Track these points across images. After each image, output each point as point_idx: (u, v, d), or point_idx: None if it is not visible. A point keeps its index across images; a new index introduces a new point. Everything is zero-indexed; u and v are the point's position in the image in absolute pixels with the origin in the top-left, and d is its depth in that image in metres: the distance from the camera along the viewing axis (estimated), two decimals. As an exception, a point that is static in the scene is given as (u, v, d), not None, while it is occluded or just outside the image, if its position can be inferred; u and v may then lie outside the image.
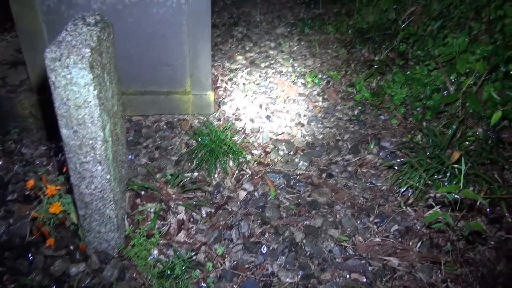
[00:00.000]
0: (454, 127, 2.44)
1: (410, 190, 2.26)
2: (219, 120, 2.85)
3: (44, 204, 1.78)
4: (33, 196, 2.22)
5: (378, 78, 3.38)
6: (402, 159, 2.46)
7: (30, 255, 1.85)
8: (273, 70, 3.56)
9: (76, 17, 1.64)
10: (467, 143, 2.58)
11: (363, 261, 1.91)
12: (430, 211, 2.09)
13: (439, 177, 2.21)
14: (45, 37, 2.47)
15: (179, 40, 2.62)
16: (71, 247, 1.84)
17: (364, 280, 1.83)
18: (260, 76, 3.44)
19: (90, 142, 1.55)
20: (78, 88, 1.42)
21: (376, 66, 3.34)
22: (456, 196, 1.78)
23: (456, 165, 2.16)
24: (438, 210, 1.71)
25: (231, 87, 3.24)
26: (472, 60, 3.00)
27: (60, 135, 1.52)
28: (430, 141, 2.56)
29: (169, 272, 1.78)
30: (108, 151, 1.63)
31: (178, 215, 2.09)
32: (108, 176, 1.66)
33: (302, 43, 4.15)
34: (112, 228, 1.81)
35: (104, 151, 1.59)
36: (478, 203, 1.96)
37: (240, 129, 2.76)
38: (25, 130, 2.74)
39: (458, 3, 3.24)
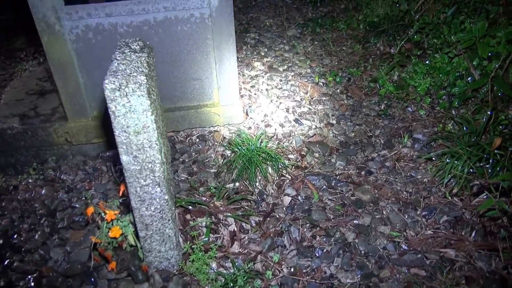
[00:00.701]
0: (489, 113, 2.45)
1: (453, 180, 2.28)
2: (249, 128, 2.88)
3: (103, 228, 1.81)
4: (84, 222, 2.27)
5: (397, 70, 3.39)
6: (440, 150, 2.47)
7: (92, 280, 1.89)
8: (292, 73, 3.59)
9: (119, 44, 1.68)
10: (500, 127, 2.59)
11: (419, 255, 1.93)
12: (479, 199, 2.10)
13: (481, 164, 2.22)
14: (76, 65, 2.52)
15: (205, 54, 2.65)
16: (132, 269, 1.88)
17: (424, 274, 1.85)
18: (281, 80, 3.46)
19: (150, 165, 1.58)
20: (137, 115, 1.46)
21: (397, 59, 3.35)
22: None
23: (498, 151, 2.17)
24: (492, 198, 1.73)
25: (255, 94, 3.27)
26: (493, 44, 3.01)
27: (120, 161, 1.55)
28: (464, 129, 2.57)
29: (231, 284, 1.81)
30: (165, 173, 1.66)
31: (229, 227, 2.12)
32: (166, 197, 1.70)
33: (316, 42, 4.17)
34: (172, 247, 1.84)
35: (162, 173, 1.62)
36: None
37: (272, 135, 2.79)
38: (61, 157, 2.79)
39: (473, -12, 3.24)
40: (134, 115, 1.46)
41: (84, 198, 2.44)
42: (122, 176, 2.47)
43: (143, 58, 1.56)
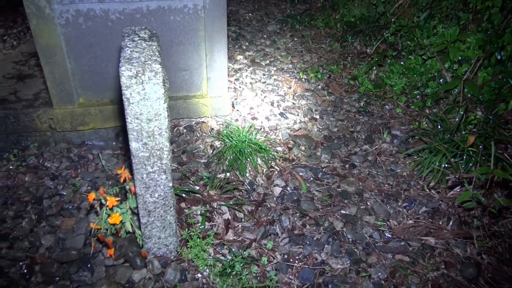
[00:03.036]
0: (462, 113, 2.65)
1: (430, 174, 2.45)
2: (236, 120, 2.94)
3: (102, 215, 1.82)
4: (75, 209, 2.25)
5: (376, 70, 3.56)
6: (418, 146, 2.64)
7: (89, 266, 1.89)
8: (275, 68, 3.67)
9: (127, 32, 1.69)
10: (470, 126, 2.81)
11: (402, 243, 2.08)
12: (454, 192, 2.28)
13: (456, 160, 2.41)
14: (64, 50, 2.46)
15: (196, 45, 2.67)
16: (130, 255, 1.89)
17: (408, 259, 2.00)
18: (264, 75, 3.54)
19: (158, 152, 1.61)
20: (151, 103, 1.48)
21: (375, 58, 3.51)
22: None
23: (470, 148, 2.37)
24: (470, 190, 1.90)
25: (239, 87, 3.32)
26: (463, 49, 3.24)
27: (129, 148, 1.57)
28: (439, 127, 2.76)
29: (229, 270, 1.88)
30: (171, 160, 1.69)
31: (223, 215, 2.18)
32: (170, 184, 1.73)
33: (295, 39, 4.28)
34: (171, 233, 1.88)
35: (169, 160, 1.65)
36: (495, 179, 2.17)
37: (259, 127, 2.86)
38: (43, 144, 2.72)
39: (447, -5, 3.46)
40: (148, 103, 1.48)
41: (71, 186, 2.41)
42: (125, 163, 2.45)
43: (154, 47, 1.58)
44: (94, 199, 1.76)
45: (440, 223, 2.18)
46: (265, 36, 4.31)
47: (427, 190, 2.38)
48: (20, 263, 1.95)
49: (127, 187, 1.83)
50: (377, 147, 2.76)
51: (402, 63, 3.51)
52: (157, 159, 1.63)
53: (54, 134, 2.72)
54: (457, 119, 2.68)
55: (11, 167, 2.55)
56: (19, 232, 2.12)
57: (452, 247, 2.05)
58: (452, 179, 2.39)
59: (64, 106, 2.60)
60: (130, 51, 1.52)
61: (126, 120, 1.51)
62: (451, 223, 2.15)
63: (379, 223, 2.20)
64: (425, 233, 2.12)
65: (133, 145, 1.57)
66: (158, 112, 1.52)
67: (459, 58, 3.21)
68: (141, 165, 1.62)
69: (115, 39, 2.51)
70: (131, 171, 1.69)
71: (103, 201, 1.79)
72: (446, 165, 2.43)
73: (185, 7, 2.53)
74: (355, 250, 2.07)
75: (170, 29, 2.58)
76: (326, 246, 2.09)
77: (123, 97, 1.45)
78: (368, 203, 2.34)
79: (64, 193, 2.36)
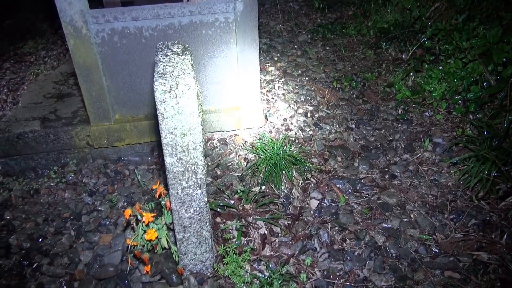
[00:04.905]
0: (510, 117, 2.48)
1: (478, 184, 2.30)
2: (270, 132, 2.89)
3: (139, 231, 1.81)
4: (112, 225, 2.26)
5: (414, 75, 3.43)
6: (464, 154, 2.49)
7: (126, 282, 1.88)
8: (307, 78, 3.61)
9: (160, 47, 1.69)
10: (519, 131, 2.63)
11: (451, 258, 1.94)
12: (505, 202, 2.12)
13: (506, 168, 2.25)
14: (100, 69, 2.51)
15: (228, 58, 2.66)
16: (166, 271, 1.87)
17: (459, 276, 1.86)
18: (296, 85, 3.48)
19: (193, 167, 1.59)
20: (185, 117, 1.46)
21: (412, 64, 3.39)
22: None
23: (523, 155, 2.21)
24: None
25: (272, 98, 3.28)
26: (507, 50, 3.06)
27: (164, 163, 1.56)
28: (485, 133, 2.60)
29: (267, 287, 1.81)
30: (206, 175, 1.67)
31: (260, 230, 2.12)
32: (205, 199, 1.70)
33: (327, 48, 4.21)
34: (207, 249, 1.84)
35: (204, 175, 1.63)
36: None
37: (294, 139, 2.80)
38: (82, 160, 2.78)
39: (487, -5, 3.30)
40: (182, 117, 1.46)
41: (108, 202, 2.43)
42: (160, 178, 2.46)
43: (187, 60, 1.57)
44: (130, 215, 1.75)
45: (493, 236, 2.03)
46: (296, 46, 4.27)
47: (476, 201, 2.23)
48: (60, 279, 1.97)
49: (163, 202, 1.82)
50: (418, 156, 2.63)
51: (440, 67, 3.36)
52: (192, 174, 1.60)
53: (91, 151, 2.77)
54: (505, 125, 2.51)
55: (51, 184, 2.62)
56: (59, 248, 2.15)
57: (508, 262, 1.89)
58: (503, 188, 2.23)
59: (101, 123, 2.65)
60: (164, 65, 1.51)
61: (161, 134, 1.49)
62: (505, 236, 1.99)
63: (424, 237, 2.08)
64: (476, 247, 1.97)
65: (168, 160, 1.55)
66: (192, 126, 1.50)
67: (504, 59, 3.03)
68: (176, 180, 1.60)
69: (149, 55, 2.54)
70: (166, 186, 1.67)
71: (139, 217, 1.78)
72: (495, 174, 2.27)
73: (216, 20, 2.54)
74: (400, 266, 1.95)
75: (202, 43, 2.59)
76: (368, 261, 1.98)
77: (157, 111, 1.44)
78: (412, 216, 2.21)
79: (102, 209, 2.38)
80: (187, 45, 1.76)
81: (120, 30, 2.45)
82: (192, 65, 1.58)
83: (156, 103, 1.43)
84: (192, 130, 1.50)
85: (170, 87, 1.40)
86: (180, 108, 1.45)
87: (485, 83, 3.09)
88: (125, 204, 2.40)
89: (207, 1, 2.48)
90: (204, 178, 1.64)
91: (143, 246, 1.85)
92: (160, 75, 1.45)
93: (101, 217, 2.32)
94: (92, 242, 2.17)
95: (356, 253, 2.03)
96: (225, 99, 2.82)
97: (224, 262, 1.91)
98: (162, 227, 1.87)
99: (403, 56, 3.86)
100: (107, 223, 2.28)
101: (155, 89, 1.40)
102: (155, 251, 1.94)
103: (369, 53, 4.00)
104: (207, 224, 1.77)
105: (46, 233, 2.26)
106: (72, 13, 2.31)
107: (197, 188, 1.65)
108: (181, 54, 1.63)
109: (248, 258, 1.93)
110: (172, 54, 1.62)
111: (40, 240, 2.22)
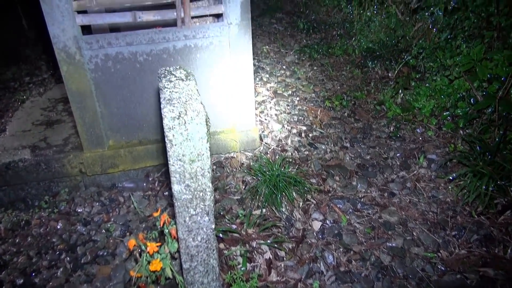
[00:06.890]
0: (501, 132, 2.55)
1: (476, 199, 2.33)
2: (266, 153, 2.88)
3: (142, 262, 1.74)
4: (110, 256, 2.18)
5: (403, 93, 3.50)
6: (459, 170, 2.53)
7: (130, 317, 1.80)
8: (298, 98, 3.64)
9: (163, 73, 1.67)
10: (510, 145, 2.69)
11: (458, 276, 1.94)
12: (504, 217, 2.15)
13: (503, 182, 2.29)
14: (93, 94, 2.47)
15: (223, 80, 2.66)
16: (172, 303, 1.80)
17: (468, 293, 1.86)
18: (288, 105, 3.50)
19: (201, 194, 1.55)
20: (193, 143, 1.44)
21: (401, 82, 3.46)
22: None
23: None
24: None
25: (265, 119, 3.29)
26: (491, 66, 3.17)
27: (172, 191, 1.52)
28: (478, 148, 2.65)
29: (277, 314, 1.76)
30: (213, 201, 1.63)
31: (264, 255, 2.08)
32: (213, 226, 1.66)
33: (315, 68, 4.27)
34: (214, 278, 1.79)
35: (212, 201, 1.59)
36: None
37: (290, 159, 2.79)
38: (74, 189, 2.70)
39: (469, 14, 3.42)
40: (191, 143, 1.43)
41: (104, 231, 2.35)
42: (157, 205, 2.39)
43: (192, 86, 1.56)
44: (134, 246, 1.69)
45: (496, 251, 2.04)
46: (284, 67, 4.32)
47: (476, 216, 2.25)
48: (58, 317, 1.87)
49: (167, 230, 1.76)
50: (414, 173, 2.65)
51: (427, 85, 3.45)
52: (200, 201, 1.56)
53: (84, 178, 2.69)
54: (496, 139, 2.57)
55: (43, 214, 2.52)
56: (54, 283, 2.06)
57: (514, 277, 1.91)
58: (501, 202, 2.26)
59: (94, 150, 2.59)
60: (170, 92, 1.49)
61: (169, 162, 1.46)
62: (509, 251, 2.01)
63: (429, 254, 2.07)
64: (481, 263, 1.98)
65: (176, 187, 1.51)
66: (201, 152, 1.47)
67: (488, 76, 3.13)
68: (184, 207, 1.56)
69: (143, 80, 2.51)
70: (168, 213, 1.63)
71: (143, 247, 1.72)
72: (492, 188, 2.31)
73: (210, 44, 2.54)
74: (408, 286, 1.93)
75: (197, 66, 2.58)
76: (376, 282, 1.96)
77: (166, 139, 1.41)
78: (414, 233, 2.22)
79: (98, 239, 2.30)
80: (189, 70, 1.74)
81: (114, 55, 2.42)
82: (197, 90, 1.56)
83: (165, 130, 1.40)
84: (201, 156, 1.48)
85: (179, 113, 1.38)
86: (189, 135, 1.42)
87: (471, 99, 3.17)
88: (121, 233, 2.32)
89: (202, 25, 2.49)
90: (212, 205, 1.60)
91: (147, 277, 1.78)
92: (168, 101, 1.43)
93: (98, 248, 2.24)
94: (89, 275, 2.08)
95: (363, 275, 2.01)
96: (221, 121, 2.80)
97: (231, 290, 1.86)
98: (166, 256, 1.81)
99: (390, 74, 3.95)
100: (105, 253, 2.19)
101: (163, 116, 1.37)
102: (159, 281, 1.88)
103: (357, 72, 4.07)
104: (214, 251, 1.72)
105: (40, 267, 2.16)
106: (65, 39, 2.27)
107: (205, 215, 1.61)
108: (185, 79, 1.61)
109: (256, 285, 1.88)
110: (176, 79, 1.60)
111: (34, 275, 2.11)
